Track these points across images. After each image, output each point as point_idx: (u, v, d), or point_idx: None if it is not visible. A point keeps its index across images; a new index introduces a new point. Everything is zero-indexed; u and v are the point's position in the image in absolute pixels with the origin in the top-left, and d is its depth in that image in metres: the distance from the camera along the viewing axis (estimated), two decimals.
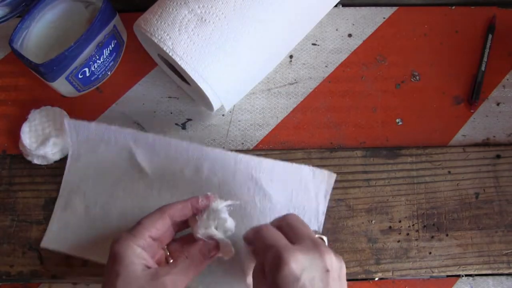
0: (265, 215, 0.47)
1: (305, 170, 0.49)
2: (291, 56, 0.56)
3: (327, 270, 0.35)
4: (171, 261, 0.41)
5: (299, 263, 0.34)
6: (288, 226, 0.39)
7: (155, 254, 0.40)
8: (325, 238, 0.40)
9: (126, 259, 0.37)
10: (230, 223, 0.41)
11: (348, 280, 0.38)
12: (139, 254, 0.37)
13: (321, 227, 0.49)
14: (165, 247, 0.42)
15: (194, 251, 0.40)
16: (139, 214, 0.42)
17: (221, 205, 0.41)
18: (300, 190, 0.49)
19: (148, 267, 0.38)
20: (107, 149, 0.50)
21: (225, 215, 0.41)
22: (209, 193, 0.41)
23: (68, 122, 0.50)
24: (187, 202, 0.41)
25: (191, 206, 0.41)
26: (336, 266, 0.36)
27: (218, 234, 0.41)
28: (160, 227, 0.39)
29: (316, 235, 0.39)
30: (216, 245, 0.41)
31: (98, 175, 0.49)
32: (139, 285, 0.36)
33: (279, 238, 0.37)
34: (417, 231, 0.49)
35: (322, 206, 0.49)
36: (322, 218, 0.49)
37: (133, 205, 0.48)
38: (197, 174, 0.49)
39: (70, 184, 0.49)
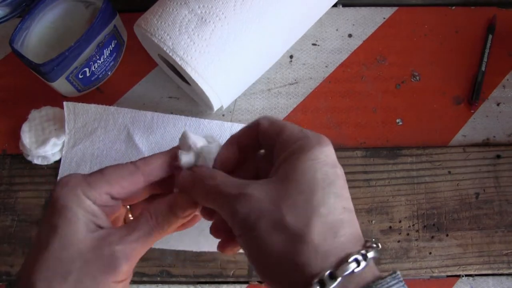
0: None
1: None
2: (291, 56, 0.56)
3: (332, 170, 0.30)
4: (131, 218, 0.33)
5: (333, 152, 0.30)
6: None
7: (113, 213, 0.32)
8: None
9: (69, 212, 0.28)
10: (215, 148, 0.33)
11: None
12: (88, 208, 0.28)
13: None
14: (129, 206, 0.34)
15: (161, 207, 0.30)
16: None
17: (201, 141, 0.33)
18: None
19: (99, 227, 0.29)
20: (104, 133, 0.51)
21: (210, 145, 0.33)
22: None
23: (67, 104, 0.51)
24: (168, 153, 0.33)
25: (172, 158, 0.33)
26: None
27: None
28: (127, 186, 0.30)
29: None
30: (195, 202, 0.31)
31: (96, 160, 0.50)
32: (79, 251, 0.27)
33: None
34: (417, 231, 0.49)
35: None
36: None
37: None
38: None
39: (68, 171, 0.50)
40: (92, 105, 0.51)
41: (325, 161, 0.28)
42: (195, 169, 0.31)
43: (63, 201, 0.28)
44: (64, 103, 0.51)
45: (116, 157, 0.50)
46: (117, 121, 0.51)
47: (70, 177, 0.29)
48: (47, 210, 0.29)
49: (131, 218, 0.34)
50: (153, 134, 0.51)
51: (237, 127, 0.52)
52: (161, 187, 0.34)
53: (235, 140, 0.33)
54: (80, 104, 0.51)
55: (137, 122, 0.51)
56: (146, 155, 0.49)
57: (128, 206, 0.34)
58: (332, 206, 0.26)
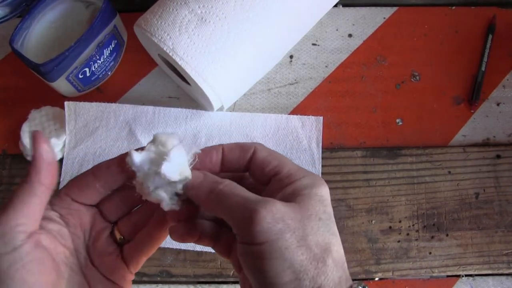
0: None
1: (294, 120, 0.52)
2: (291, 56, 0.56)
3: (331, 210, 0.31)
4: (117, 235, 0.34)
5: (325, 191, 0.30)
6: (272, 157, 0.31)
7: (78, 219, 0.32)
8: None
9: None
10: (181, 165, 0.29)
11: None
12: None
13: (320, 174, 0.50)
14: (115, 228, 0.34)
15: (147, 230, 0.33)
16: None
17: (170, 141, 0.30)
18: (294, 142, 0.51)
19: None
20: (106, 131, 0.51)
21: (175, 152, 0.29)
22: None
23: (68, 103, 0.51)
24: (116, 158, 0.32)
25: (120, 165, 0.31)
26: None
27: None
28: (86, 190, 0.31)
29: None
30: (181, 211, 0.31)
31: (98, 159, 0.50)
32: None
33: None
34: (417, 231, 0.49)
35: (317, 154, 0.51)
36: (319, 166, 0.51)
37: None
38: (195, 143, 0.51)
39: (70, 171, 0.50)
40: (93, 103, 0.51)
41: (328, 200, 0.30)
42: (206, 173, 0.31)
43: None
44: (65, 103, 0.51)
45: (117, 154, 0.50)
46: (118, 119, 0.51)
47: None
48: None
49: (118, 235, 0.34)
50: (155, 128, 0.51)
51: (237, 117, 0.52)
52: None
53: (220, 152, 0.32)
54: (81, 103, 0.51)
55: (138, 118, 0.51)
56: None
57: (115, 228, 0.34)
58: (337, 241, 0.30)
